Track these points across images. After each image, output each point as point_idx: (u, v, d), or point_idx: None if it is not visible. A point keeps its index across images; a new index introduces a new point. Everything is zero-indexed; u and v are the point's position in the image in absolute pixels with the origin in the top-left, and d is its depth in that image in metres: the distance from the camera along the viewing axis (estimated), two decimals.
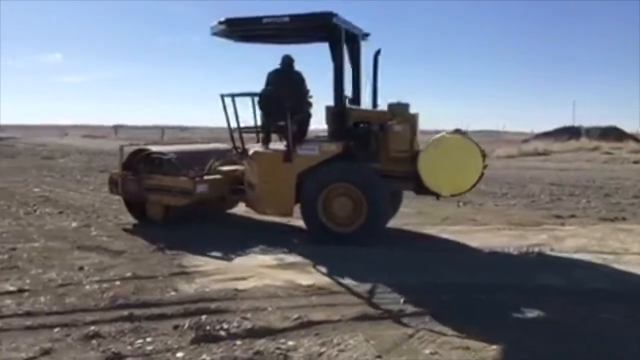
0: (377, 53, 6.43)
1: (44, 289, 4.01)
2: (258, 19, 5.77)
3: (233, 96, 6.10)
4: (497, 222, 6.96)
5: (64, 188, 9.86)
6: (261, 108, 6.21)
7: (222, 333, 3.20)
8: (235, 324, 3.34)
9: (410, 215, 7.14)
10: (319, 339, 3.16)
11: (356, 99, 6.47)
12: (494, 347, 3.05)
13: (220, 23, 5.92)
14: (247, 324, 3.35)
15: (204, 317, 3.43)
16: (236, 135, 6.25)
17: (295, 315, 3.51)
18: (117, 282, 4.18)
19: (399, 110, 5.90)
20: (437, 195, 5.69)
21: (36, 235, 5.81)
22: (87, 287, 4.09)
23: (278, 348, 3.04)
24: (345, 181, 5.62)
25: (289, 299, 3.92)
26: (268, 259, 5.08)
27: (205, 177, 6.29)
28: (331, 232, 5.65)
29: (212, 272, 4.57)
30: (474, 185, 5.49)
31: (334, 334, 3.24)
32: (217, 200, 6.55)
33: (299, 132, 6.02)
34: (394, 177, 5.72)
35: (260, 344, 3.08)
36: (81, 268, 4.59)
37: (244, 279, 4.40)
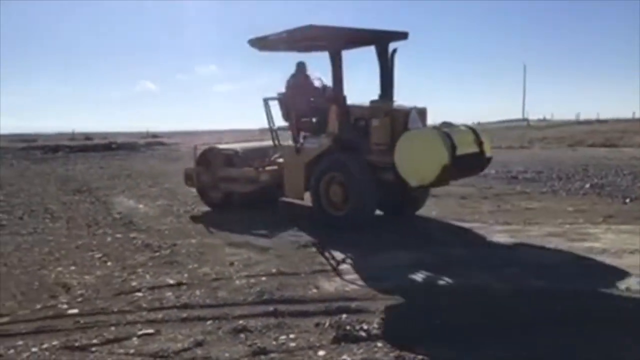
0: (393, 52, 6.87)
1: (200, 282, 4.31)
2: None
3: (266, 100, 7.28)
4: None
5: None
6: (282, 110, 7.33)
7: (363, 334, 3.16)
8: (375, 325, 3.28)
9: (569, 214, 6.52)
10: None
11: (387, 96, 6.89)
12: None
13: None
14: (387, 326, 3.27)
15: (344, 316, 3.43)
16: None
17: (438, 321, 3.35)
18: (263, 278, 4.36)
19: (381, 107, 6.36)
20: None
21: (194, 232, 6.31)
22: (237, 282, 4.32)
23: (421, 354, 2.91)
24: (335, 171, 6.31)
25: (429, 301, 3.75)
26: (407, 258, 4.96)
27: (267, 168, 7.31)
28: (329, 216, 6.40)
29: (352, 271, 4.57)
30: (442, 178, 5.53)
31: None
32: (276, 187, 7.34)
33: (320, 126, 6.77)
34: (379, 167, 6.07)
35: (402, 348, 2.98)
36: (232, 263, 4.88)
37: (383, 278, 4.33)
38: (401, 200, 6.86)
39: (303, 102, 7.07)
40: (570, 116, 42.16)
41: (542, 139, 23.68)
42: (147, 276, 4.50)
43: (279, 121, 7.42)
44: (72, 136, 35.79)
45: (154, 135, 39.53)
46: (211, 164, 7.93)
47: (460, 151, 5.42)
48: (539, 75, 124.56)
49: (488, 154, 5.95)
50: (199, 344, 3.11)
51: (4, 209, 8.07)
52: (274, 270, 4.57)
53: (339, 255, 5.07)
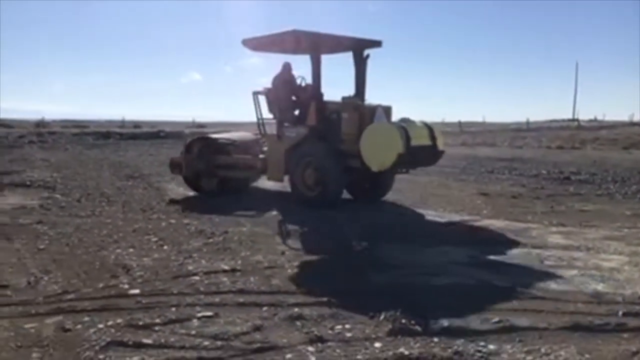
0: (366, 57, 7.93)
1: (253, 269, 4.39)
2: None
3: (255, 94, 8.17)
4: None
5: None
6: (267, 103, 8.23)
7: (418, 328, 3.15)
8: (431, 320, 3.27)
9: (627, 218, 6.30)
10: (523, 347, 2.93)
11: (360, 95, 7.90)
12: None
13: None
14: (444, 322, 3.25)
15: (399, 310, 3.42)
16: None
17: (496, 319, 3.31)
18: (317, 270, 4.40)
19: (351, 103, 7.40)
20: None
21: (243, 220, 6.42)
22: (289, 270, 4.38)
23: (478, 351, 2.89)
24: (309, 156, 7.20)
25: (487, 299, 3.71)
26: (460, 256, 4.91)
27: (262, 156, 8.12)
28: (303, 196, 7.29)
29: (402, 266, 4.56)
30: (398, 165, 6.57)
31: (541, 343, 2.98)
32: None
33: (301, 117, 7.81)
34: (348, 155, 6.96)
35: (459, 344, 2.96)
36: (283, 253, 4.95)
37: (436, 275, 4.30)
38: (369, 186, 7.82)
39: (286, 97, 8.09)
40: (623, 117, 40.56)
41: (594, 140, 22.86)
42: (203, 261, 4.61)
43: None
44: (122, 124, 36.77)
45: (200, 125, 40.21)
46: (203, 152, 8.52)
47: (414, 142, 6.44)
48: (592, 74, 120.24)
49: (441, 147, 7.00)
50: (257, 329, 3.17)
51: (63, 192, 8.41)
52: (326, 261, 4.61)
53: (390, 250, 5.07)
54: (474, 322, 3.27)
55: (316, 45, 7.36)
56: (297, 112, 8.01)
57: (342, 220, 6.38)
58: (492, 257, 4.86)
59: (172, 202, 7.74)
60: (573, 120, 42.57)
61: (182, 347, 2.91)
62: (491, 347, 2.93)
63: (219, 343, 2.97)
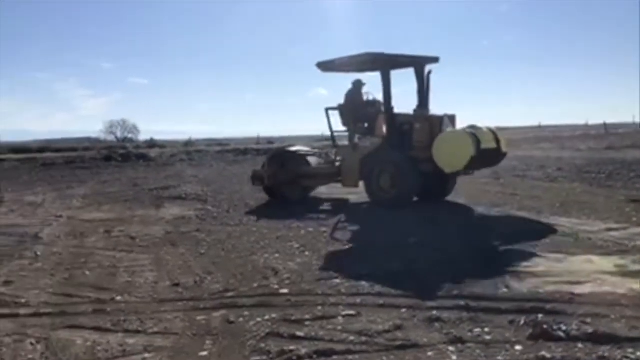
0: (429, 73, 8.55)
1: (388, 274, 4.58)
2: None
3: (327, 110, 9.08)
4: None
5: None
6: (341, 117, 9.15)
7: (561, 334, 3.13)
8: (574, 326, 3.23)
9: None
10: None
11: (423, 106, 8.52)
12: None
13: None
14: (588, 329, 3.19)
15: (540, 316, 3.43)
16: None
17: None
18: (454, 276, 4.48)
19: (421, 114, 8.22)
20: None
21: (374, 230, 6.66)
22: (424, 276, 4.53)
23: (625, 357, 2.83)
24: (384, 163, 8.05)
25: (636, 309, 3.55)
26: (606, 264, 4.69)
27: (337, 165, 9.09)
28: (378, 198, 8.11)
29: (543, 274, 4.48)
30: (469, 167, 7.40)
31: None
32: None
33: (369, 129, 8.81)
34: (420, 160, 7.77)
35: (604, 350, 2.92)
36: (415, 260, 5.09)
37: (579, 283, 4.18)
38: (433, 189, 8.38)
39: (358, 110, 8.95)
40: None
41: None
42: (342, 266, 4.92)
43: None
44: (257, 140, 39.26)
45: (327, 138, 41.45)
46: (285, 164, 9.31)
47: (483, 146, 7.20)
48: None
49: (504, 149, 7.77)
50: (398, 328, 3.38)
51: (213, 204, 9.32)
52: (461, 269, 4.68)
53: (528, 256, 5.00)
54: (621, 330, 3.18)
55: (387, 63, 8.24)
56: (366, 125, 8.90)
57: (474, 228, 6.36)
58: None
59: (308, 211, 8.25)
60: None
61: (331, 341, 3.21)
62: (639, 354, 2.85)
63: (363, 339, 3.23)
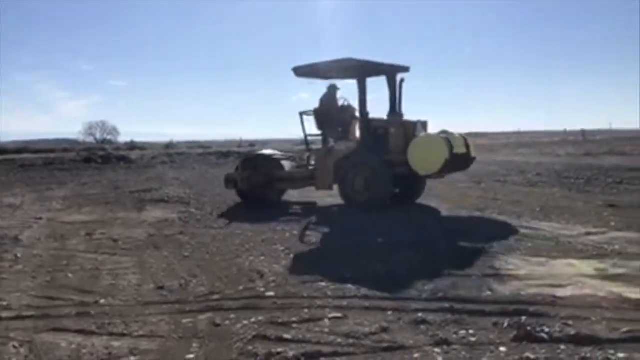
0: (402, 81, 8.88)
1: (373, 278, 4.60)
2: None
3: (301, 114, 9.26)
4: None
5: None
6: (316, 121, 9.31)
7: (544, 335, 3.19)
8: (557, 328, 3.29)
9: None
10: None
11: (395, 112, 8.85)
12: None
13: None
14: (570, 330, 3.26)
15: (523, 318, 3.48)
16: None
17: (626, 329, 3.26)
18: (438, 279, 4.53)
19: (396, 120, 8.61)
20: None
21: (357, 232, 6.69)
22: (409, 279, 4.54)
23: (607, 358, 2.89)
24: (359, 166, 8.22)
25: (616, 311, 3.63)
26: (586, 267, 4.79)
27: (311, 168, 9.23)
28: (352, 200, 8.29)
29: (525, 277, 4.55)
30: (443, 170, 7.72)
31: None
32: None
33: (343, 133, 9.03)
34: (395, 164, 8.05)
35: (587, 351, 2.98)
36: (399, 262, 5.13)
37: (561, 286, 4.25)
38: (405, 191, 8.79)
39: (332, 115, 9.19)
40: None
41: None
42: (326, 269, 4.93)
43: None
44: (240, 143, 39.18)
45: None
46: (258, 168, 9.43)
47: (455, 150, 7.60)
48: None
49: (473, 154, 8.29)
50: (384, 330, 3.40)
51: (196, 206, 9.27)
52: (445, 272, 4.72)
53: (510, 259, 5.07)
54: (602, 331, 3.25)
55: (360, 70, 8.53)
56: (340, 129, 9.15)
57: (458, 233, 6.43)
58: (621, 271, 4.67)
59: (293, 214, 8.26)
60: None
61: (318, 343, 3.22)
62: (620, 355, 2.92)
63: (350, 341, 3.25)
